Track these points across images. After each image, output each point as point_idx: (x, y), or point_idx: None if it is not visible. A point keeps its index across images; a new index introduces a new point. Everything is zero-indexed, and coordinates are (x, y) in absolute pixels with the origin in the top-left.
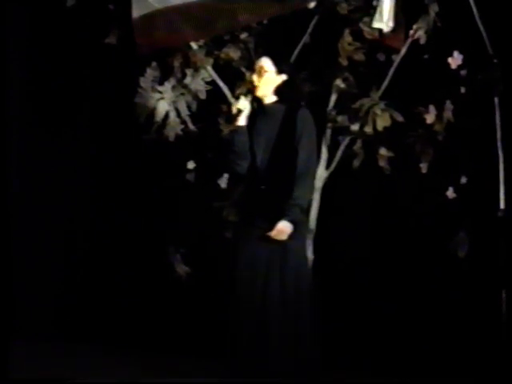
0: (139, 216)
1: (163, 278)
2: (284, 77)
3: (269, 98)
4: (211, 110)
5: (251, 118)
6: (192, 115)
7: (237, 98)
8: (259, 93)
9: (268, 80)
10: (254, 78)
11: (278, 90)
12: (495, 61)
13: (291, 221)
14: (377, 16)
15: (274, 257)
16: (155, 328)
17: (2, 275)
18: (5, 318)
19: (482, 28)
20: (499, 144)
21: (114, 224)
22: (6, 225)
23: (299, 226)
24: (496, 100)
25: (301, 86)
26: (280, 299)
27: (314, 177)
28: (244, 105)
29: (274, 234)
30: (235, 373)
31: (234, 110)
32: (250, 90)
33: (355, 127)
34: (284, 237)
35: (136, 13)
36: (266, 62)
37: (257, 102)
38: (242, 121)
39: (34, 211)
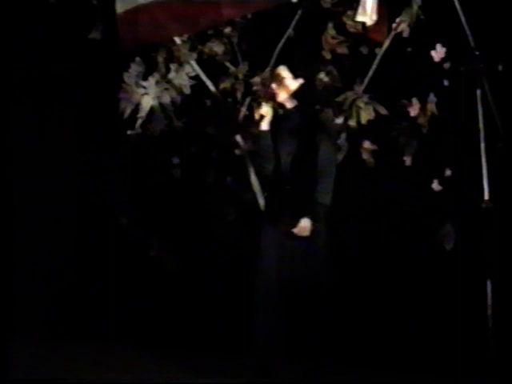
0: (125, 212)
1: (159, 276)
2: (301, 81)
3: (289, 102)
4: (196, 104)
5: (274, 122)
6: (176, 110)
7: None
8: (279, 98)
9: (286, 86)
10: (274, 85)
11: (297, 94)
12: (477, 53)
13: (313, 218)
14: (360, 9)
15: (296, 249)
16: (155, 326)
17: (1, 275)
18: (4, 318)
19: (464, 21)
20: (482, 135)
21: (101, 221)
22: (6, 225)
23: (321, 222)
24: (478, 92)
25: (319, 88)
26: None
27: (334, 176)
28: (266, 111)
29: (297, 230)
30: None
31: (257, 116)
32: (271, 97)
33: (339, 121)
34: (306, 233)
35: (120, 8)
36: (282, 70)
37: (278, 107)
38: (265, 126)
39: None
